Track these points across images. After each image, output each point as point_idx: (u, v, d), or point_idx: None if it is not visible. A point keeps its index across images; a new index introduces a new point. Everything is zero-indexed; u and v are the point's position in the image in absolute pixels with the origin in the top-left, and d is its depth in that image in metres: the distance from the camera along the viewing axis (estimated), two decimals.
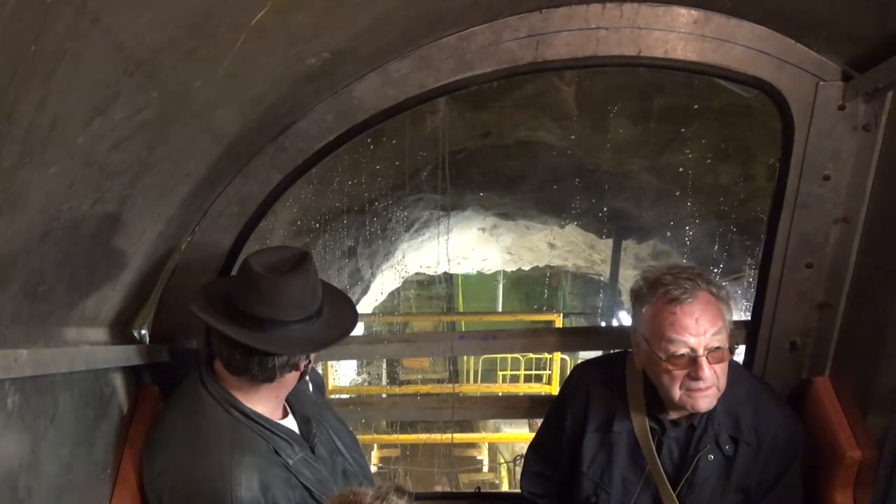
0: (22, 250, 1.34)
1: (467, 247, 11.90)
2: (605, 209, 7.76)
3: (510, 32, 2.22)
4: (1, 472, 1.39)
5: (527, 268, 13.86)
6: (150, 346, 2.36)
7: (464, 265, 13.54)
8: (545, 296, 18.15)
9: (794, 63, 2.19)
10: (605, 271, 11.55)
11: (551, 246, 11.84)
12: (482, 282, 20.16)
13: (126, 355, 2.12)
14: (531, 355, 12.66)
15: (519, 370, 12.80)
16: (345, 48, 1.97)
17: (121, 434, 2.08)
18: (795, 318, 2.43)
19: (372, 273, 9.12)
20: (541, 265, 13.47)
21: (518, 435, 11.21)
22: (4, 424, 1.39)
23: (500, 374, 13.18)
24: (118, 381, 2.10)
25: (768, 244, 2.43)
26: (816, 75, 2.19)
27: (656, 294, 2.04)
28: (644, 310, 2.08)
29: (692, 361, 1.97)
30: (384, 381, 15.80)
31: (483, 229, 10.95)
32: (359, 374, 15.03)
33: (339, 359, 8.41)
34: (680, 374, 2.00)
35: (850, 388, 2.29)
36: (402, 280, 12.22)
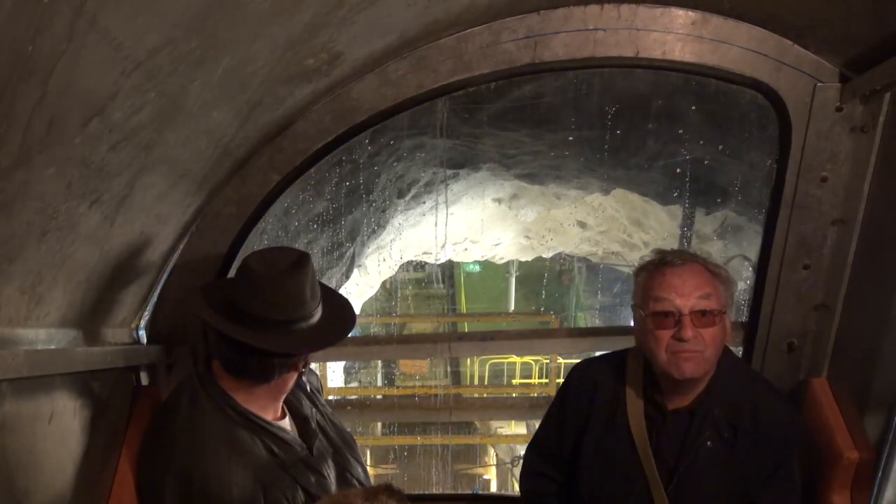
0: (19, 250, 1.33)
1: (477, 226, 9.32)
2: (685, 153, 4.99)
3: (508, 33, 2.22)
4: None
5: (548, 255, 11.34)
6: (147, 347, 2.36)
7: (472, 251, 10.99)
8: (543, 296, 17.62)
9: (791, 64, 2.20)
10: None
11: (582, 225, 9.49)
12: (487, 279, 19.57)
13: (124, 356, 2.12)
14: (543, 359, 12.48)
15: (531, 377, 12.53)
16: (343, 49, 1.97)
17: (118, 435, 2.08)
18: (793, 320, 2.44)
19: (355, 252, 6.81)
20: (566, 251, 11.02)
21: (517, 436, 11.22)
22: (2, 425, 1.39)
23: (514, 381, 12.94)
24: (116, 381, 2.10)
25: (766, 245, 2.43)
26: (814, 77, 2.19)
27: (653, 263, 2.11)
28: (639, 278, 2.14)
29: (676, 322, 2.01)
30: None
31: (499, 200, 8.49)
32: (347, 382, 13.21)
33: (335, 360, 8.40)
34: (664, 335, 2.02)
35: (847, 390, 2.29)
36: (398, 267, 9.95)
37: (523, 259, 11.81)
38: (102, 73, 1.20)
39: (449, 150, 5.58)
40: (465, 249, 10.52)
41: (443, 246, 8.83)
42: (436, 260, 10.56)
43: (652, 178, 5.61)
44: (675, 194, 5.85)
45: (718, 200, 5.46)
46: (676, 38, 2.22)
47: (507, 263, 14.83)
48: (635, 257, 8.76)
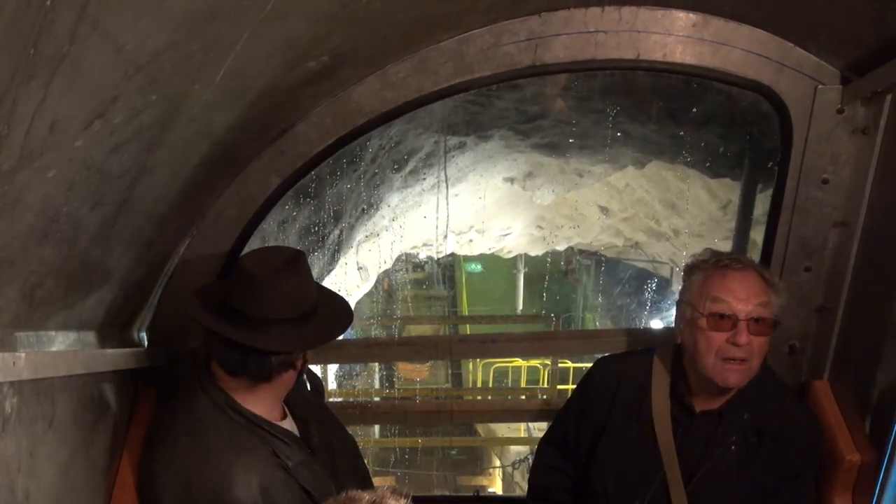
0: (20, 253, 1.33)
1: (485, 212, 7.84)
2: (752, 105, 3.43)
3: (509, 36, 2.23)
4: None
5: (562, 247, 9.96)
6: (148, 349, 2.36)
7: (477, 243, 9.42)
8: (545, 298, 17.17)
9: (792, 66, 2.20)
10: (677, 256, 7.56)
11: (604, 211, 8.10)
12: (489, 280, 18.99)
13: (125, 358, 2.12)
14: (549, 363, 12.27)
15: (539, 383, 12.32)
16: (344, 51, 1.97)
17: (119, 437, 2.08)
18: (794, 322, 2.43)
19: (342, 236, 5.51)
20: (584, 242, 9.37)
21: (517, 438, 11.18)
22: (3, 428, 1.39)
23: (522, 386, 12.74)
24: (117, 383, 2.10)
25: (767, 247, 2.43)
26: (815, 79, 2.19)
27: (709, 262, 2.12)
28: (694, 276, 2.14)
29: (732, 325, 2.01)
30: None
31: (511, 180, 7.00)
32: (340, 387, 11.46)
33: (337, 362, 8.35)
34: (717, 338, 2.02)
35: (848, 392, 2.29)
36: (395, 259, 8.38)
37: (533, 253, 10.63)
38: (104, 75, 1.20)
39: (455, 110, 4.65)
40: (470, 241, 9.25)
41: (445, 236, 7.66)
42: (437, 253, 9.39)
43: (706, 141, 4.46)
44: (731, 165, 4.57)
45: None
46: (677, 40, 2.22)
47: (515, 258, 13.96)
48: (659, 249, 8.20)
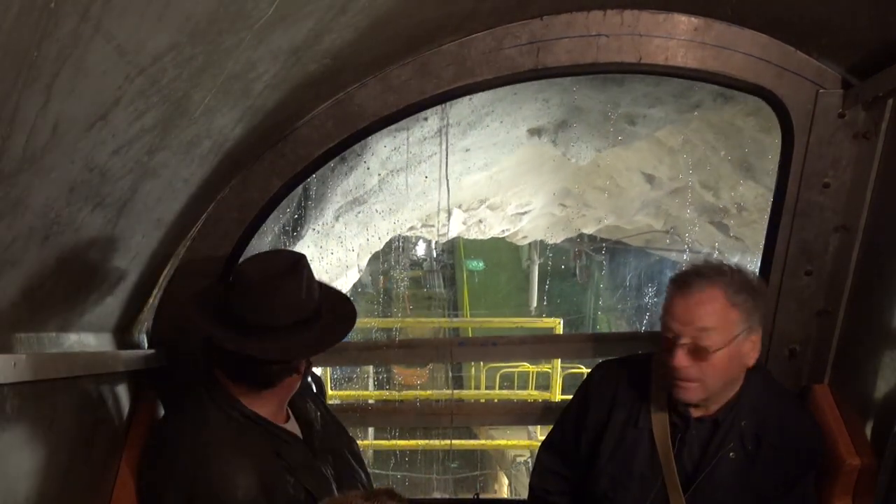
0: (21, 254, 1.33)
1: (502, 181, 6.23)
2: None
3: (511, 39, 2.23)
4: None
5: (589, 230, 8.04)
6: (149, 352, 2.36)
7: (489, 223, 7.53)
8: (545, 301, 16.74)
9: (794, 71, 2.20)
10: (726, 243, 6.00)
11: (649, 179, 6.27)
12: (493, 278, 18.08)
13: (125, 360, 2.12)
14: (550, 365, 12.09)
15: (548, 388, 12.19)
16: (346, 54, 1.97)
17: (119, 439, 2.08)
18: (795, 326, 2.44)
19: (312, 197, 4.22)
20: (616, 224, 7.45)
21: (518, 441, 11.15)
22: (3, 429, 1.39)
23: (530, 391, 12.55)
24: (117, 385, 2.10)
25: (768, 251, 2.43)
26: (816, 83, 2.20)
27: (677, 278, 2.08)
28: (667, 291, 2.12)
29: (673, 347, 1.99)
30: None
31: (538, 132, 5.25)
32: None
33: (336, 365, 8.36)
34: (667, 357, 2.01)
35: (849, 396, 2.29)
36: (386, 239, 6.68)
37: (552, 239, 8.99)
38: (107, 78, 1.20)
39: None
40: (480, 221, 7.45)
41: (448, 212, 6.16)
42: (439, 235, 7.84)
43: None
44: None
45: None
46: (679, 43, 2.22)
47: (523, 249, 12.75)
48: (704, 235, 6.47)
